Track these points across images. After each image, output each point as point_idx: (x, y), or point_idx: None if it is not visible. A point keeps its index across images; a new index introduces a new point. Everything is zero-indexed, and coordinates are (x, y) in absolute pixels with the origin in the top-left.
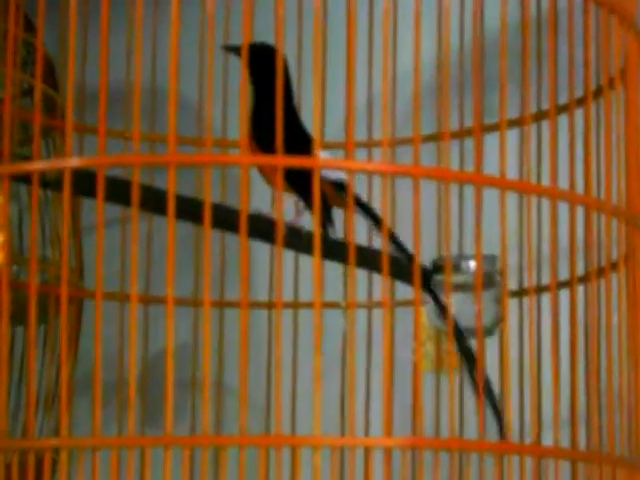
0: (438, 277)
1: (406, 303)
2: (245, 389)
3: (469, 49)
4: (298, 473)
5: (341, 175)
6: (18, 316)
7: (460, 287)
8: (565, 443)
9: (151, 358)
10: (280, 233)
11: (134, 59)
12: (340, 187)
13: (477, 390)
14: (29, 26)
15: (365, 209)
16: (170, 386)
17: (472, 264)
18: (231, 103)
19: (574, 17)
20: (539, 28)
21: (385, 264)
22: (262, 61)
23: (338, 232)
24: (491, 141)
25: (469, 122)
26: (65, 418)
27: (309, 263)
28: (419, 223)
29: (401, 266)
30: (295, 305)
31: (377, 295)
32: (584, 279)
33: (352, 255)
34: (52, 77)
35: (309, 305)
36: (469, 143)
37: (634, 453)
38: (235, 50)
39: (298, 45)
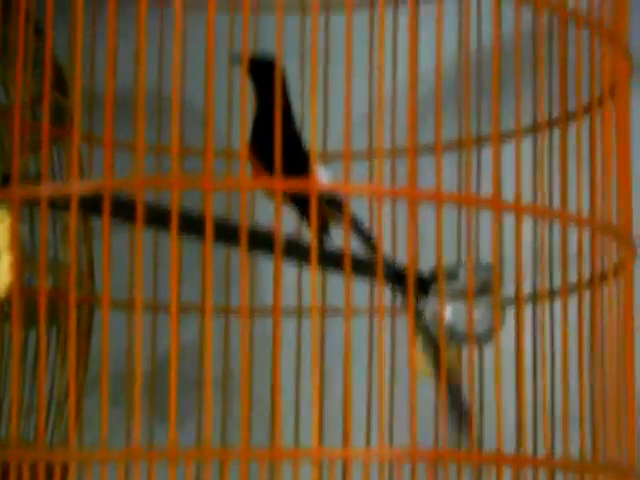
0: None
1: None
2: (247, 401)
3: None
4: None
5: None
6: (30, 319)
7: (458, 295)
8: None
9: (161, 361)
10: (279, 246)
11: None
12: (333, 203)
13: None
14: (38, 32)
15: (358, 229)
16: (174, 396)
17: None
18: (236, 111)
19: (566, 36)
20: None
21: (380, 272)
22: (262, 73)
23: (335, 243)
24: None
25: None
26: (73, 430)
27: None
28: (414, 244)
29: (400, 274)
30: (299, 312)
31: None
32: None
33: (348, 263)
34: (61, 83)
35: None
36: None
37: (627, 460)
38: (238, 61)
39: (301, 55)
